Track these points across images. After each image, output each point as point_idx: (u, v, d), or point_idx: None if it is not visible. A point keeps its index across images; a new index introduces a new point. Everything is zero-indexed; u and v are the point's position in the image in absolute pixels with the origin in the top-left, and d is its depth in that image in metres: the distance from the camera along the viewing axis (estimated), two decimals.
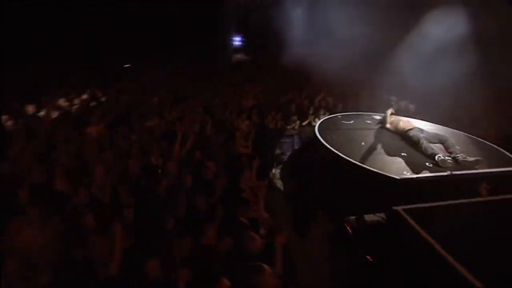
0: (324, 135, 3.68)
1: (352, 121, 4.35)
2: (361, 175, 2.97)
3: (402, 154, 3.30)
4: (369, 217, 3.55)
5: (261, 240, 2.32)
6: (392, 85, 6.56)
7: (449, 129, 4.04)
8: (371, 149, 3.39)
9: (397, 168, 3.00)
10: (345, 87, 7.06)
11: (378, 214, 3.43)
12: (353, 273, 2.97)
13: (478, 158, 3.07)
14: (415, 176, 2.83)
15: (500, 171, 3.01)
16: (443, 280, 2.17)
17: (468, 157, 3.08)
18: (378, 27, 7.10)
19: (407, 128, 3.71)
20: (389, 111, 4.01)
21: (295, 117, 5.53)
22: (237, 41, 11.92)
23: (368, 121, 4.40)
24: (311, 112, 5.59)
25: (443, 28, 6.20)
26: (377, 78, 7.16)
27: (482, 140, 3.72)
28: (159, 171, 3.23)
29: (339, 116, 4.64)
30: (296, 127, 5.48)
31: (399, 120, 3.87)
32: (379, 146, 3.49)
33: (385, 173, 2.83)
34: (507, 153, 3.36)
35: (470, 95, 4.88)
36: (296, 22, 9.78)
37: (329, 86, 7.35)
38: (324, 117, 5.39)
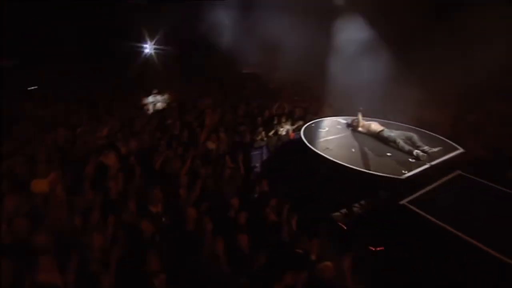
0: (318, 148, 3.97)
1: (327, 128, 4.80)
2: (370, 180, 3.40)
3: (388, 154, 3.89)
4: (355, 209, 4.07)
5: (331, 265, 2.43)
6: (331, 88, 7.51)
7: (403, 125, 4.91)
8: (364, 154, 3.86)
9: (393, 168, 3.54)
10: (294, 93, 7.69)
11: (357, 204, 3.97)
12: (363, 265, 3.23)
13: (439, 147, 3.92)
14: (412, 173, 3.42)
15: (453, 155, 3.94)
16: (460, 259, 2.74)
17: (432, 148, 3.89)
18: (309, 33, 7.92)
19: (379, 129, 4.36)
20: (360, 115, 4.61)
21: (261, 129, 5.66)
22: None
23: (338, 126, 4.94)
24: (275, 122, 5.82)
25: (364, 33, 7.40)
26: (316, 83, 8.04)
27: (429, 132, 4.69)
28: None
29: (313, 125, 5.00)
30: (264, 138, 5.63)
31: (370, 123, 4.51)
32: (366, 150, 4.00)
33: (392, 176, 3.33)
34: (448, 140, 4.36)
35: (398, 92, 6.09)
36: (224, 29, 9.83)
37: (277, 94, 7.87)
38: (288, 125, 5.74)
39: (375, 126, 4.42)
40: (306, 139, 4.28)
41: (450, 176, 3.68)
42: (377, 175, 3.34)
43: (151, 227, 2.66)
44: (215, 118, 5.87)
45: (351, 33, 7.79)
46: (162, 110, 6.55)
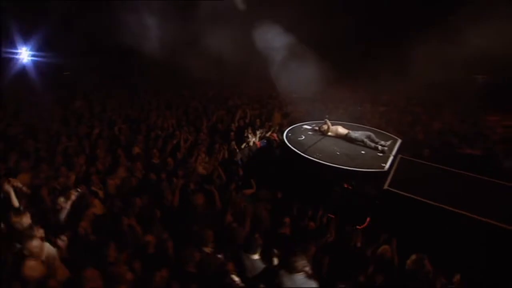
0: (311, 156, 4.63)
1: (303, 136, 5.50)
2: (361, 176, 4.30)
3: (362, 152, 4.91)
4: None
5: (388, 247, 3.12)
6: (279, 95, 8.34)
7: (355, 124, 6.08)
8: (347, 155, 4.75)
9: (374, 163, 4.55)
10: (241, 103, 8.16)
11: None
12: None
13: (391, 140, 5.20)
14: (389, 164, 4.50)
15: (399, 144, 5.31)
16: (444, 224, 3.80)
17: (387, 142, 5.13)
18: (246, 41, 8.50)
19: (345, 132, 5.36)
20: (328, 121, 5.50)
21: (233, 143, 5.93)
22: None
23: (309, 132, 5.72)
24: (245, 134, 6.14)
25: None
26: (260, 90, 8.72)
27: (373, 128, 6.02)
28: None
29: (290, 134, 5.61)
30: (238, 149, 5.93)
31: (337, 127, 5.46)
32: (345, 151, 4.91)
33: (379, 170, 4.31)
34: (388, 133, 5.77)
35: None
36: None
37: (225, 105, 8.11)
38: (253, 135, 6.17)
39: (341, 129, 5.42)
40: (296, 149, 4.87)
41: (398, 160, 4.97)
42: (372, 171, 4.28)
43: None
44: (190, 138, 5.76)
45: (283, 40, 8.81)
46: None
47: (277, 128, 6.82)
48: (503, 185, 4.22)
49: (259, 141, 6.34)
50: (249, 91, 9.56)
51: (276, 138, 6.26)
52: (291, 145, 5.01)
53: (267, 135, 6.58)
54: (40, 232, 2.73)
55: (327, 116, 5.61)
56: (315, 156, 4.61)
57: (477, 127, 7.00)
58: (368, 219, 4.20)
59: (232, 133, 6.12)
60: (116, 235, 2.98)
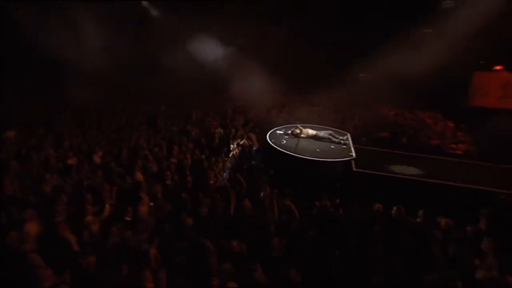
0: (303, 155, 5.89)
1: (284, 141, 6.66)
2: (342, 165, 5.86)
3: (332, 147, 6.50)
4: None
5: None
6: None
7: (315, 125, 7.64)
8: (325, 151, 6.23)
9: (345, 154, 6.18)
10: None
11: None
12: None
13: (346, 135, 7.01)
14: (354, 153, 6.21)
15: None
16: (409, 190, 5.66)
17: (344, 137, 6.91)
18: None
19: (314, 133, 6.85)
20: (300, 125, 6.84)
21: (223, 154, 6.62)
22: None
23: (286, 136, 6.94)
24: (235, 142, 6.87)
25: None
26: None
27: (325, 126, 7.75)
28: None
29: (272, 140, 6.68)
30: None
31: (307, 129, 6.88)
32: (321, 148, 6.39)
33: (351, 158, 5.96)
34: (340, 130, 7.61)
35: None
36: None
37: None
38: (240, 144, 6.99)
39: (311, 131, 6.90)
40: (287, 151, 6.03)
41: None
42: (348, 160, 5.87)
43: None
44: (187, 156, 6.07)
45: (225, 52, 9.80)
46: None
47: (245, 135, 7.77)
48: (424, 157, 6.52)
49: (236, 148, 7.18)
50: (205, 103, 10.03)
51: (247, 144, 7.25)
52: (281, 149, 6.15)
53: (241, 142, 7.46)
54: None
55: (298, 122, 6.99)
56: (307, 155, 5.90)
57: (379, 117, 9.85)
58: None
59: (215, 146, 6.72)
60: None
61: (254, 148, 7.20)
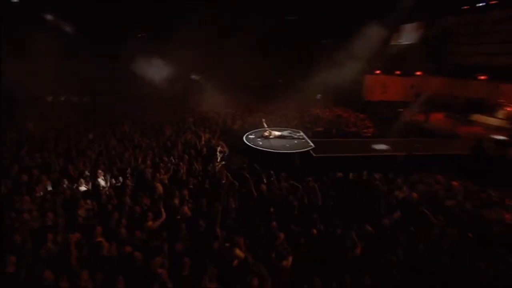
0: (280, 150, 7.93)
1: (261, 142, 8.55)
2: (307, 154, 8.17)
3: (295, 142, 8.76)
4: None
5: None
6: None
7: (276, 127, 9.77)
8: (292, 146, 8.43)
9: (306, 145, 8.52)
10: None
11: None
12: None
13: (300, 132, 9.39)
14: (312, 144, 8.61)
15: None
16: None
17: (297, 134, 9.28)
18: None
19: (280, 133, 8.99)
20: (267, 128, 8.86)
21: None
22: None
23: (258, 139, 8.83)
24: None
25: None
26: None
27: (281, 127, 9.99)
28: None
29: (251, 142, 8.48)
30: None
31: (274, 132, 8.95)
32: (288, 144, 8.57)
33: (312, 148, 8.33)
34: (294, 129, 9.96)
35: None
36: None
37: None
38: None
39: (277, 132, 9.01)
40: (268, 149, 7.98)
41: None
42: (311, 148, 8.21)
43: None
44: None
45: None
46: None
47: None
48: (354, 140, 9.46)
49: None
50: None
51: (224, 149, 8.91)
52: (263, 148, 8.07)
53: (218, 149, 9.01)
54: None
55: (266, 126, 9.02)
56: (284, 151, 8.00)
57: (312, 116, 12.83)
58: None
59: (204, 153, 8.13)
60: None
61: (227, 153, 8.83)
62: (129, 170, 6.80)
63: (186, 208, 5.46)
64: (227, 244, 4.21)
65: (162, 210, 5.13)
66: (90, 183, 6.26)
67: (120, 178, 6.55)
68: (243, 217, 5.22)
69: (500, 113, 12.37)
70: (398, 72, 16.53)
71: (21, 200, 5.05)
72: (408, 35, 16.39)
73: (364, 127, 11.93)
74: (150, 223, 4.90)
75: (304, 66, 14.72)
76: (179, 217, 5.22)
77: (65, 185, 5.94)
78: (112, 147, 8.06)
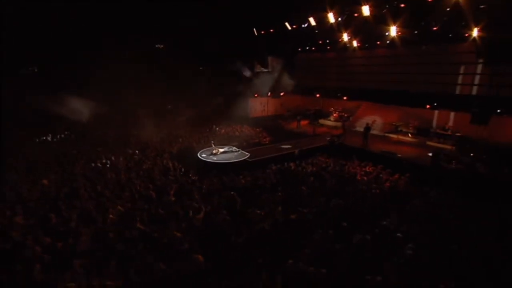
0: (231, 161, 11.40)
1: (213, 157, 11.64)
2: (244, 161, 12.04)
3: (236, 154, 12.41)
4: None
5: None
6: None
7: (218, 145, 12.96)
8: (235, 157, 12.06)
9: (244, 156, 12.33)
10: None
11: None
12: None
13: (234, 147, 13.09)
14: (248, 155, 12.52)
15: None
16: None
17: (234, 148, 12.98)
18: None
19: (223, 149, 12.37)
20: (214, 146, 12.06)
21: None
22: None
23: (211, 155, 11.86)
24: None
25: None
26: None
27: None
28: None
29: (204, 156, 11.47)
30: None
31: (218, 149, 12.24)
32: (232, 156, 12.13)
33: (248, 157, 12.24)
34: (230, 145, 13.51)
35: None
36: None
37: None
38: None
39: (221, 148, 12.36)
40: (221, 161, 11.29)
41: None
42: (247, 158, 12.11)
43: None
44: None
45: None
46: None
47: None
48: (264, 147, 14.06)
49: None
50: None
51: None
52: (217, 161, 11.36)
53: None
54: None
55: (213, 142, 12.21)
56: (233, 161, 11.56)
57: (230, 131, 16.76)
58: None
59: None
60: None
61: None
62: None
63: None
64: None
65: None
66: None
67: None
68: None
69: (332, 117, 20.37)
70: (270, 94, 22.89)
71: None
72: (270, 65, 23.15)
73: (263, 137, 16.89)
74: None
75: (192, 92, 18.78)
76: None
77: None
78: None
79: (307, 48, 21.81)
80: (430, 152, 12.11)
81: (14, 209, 6.43)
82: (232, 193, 7.80)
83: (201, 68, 21.91)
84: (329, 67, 21.82)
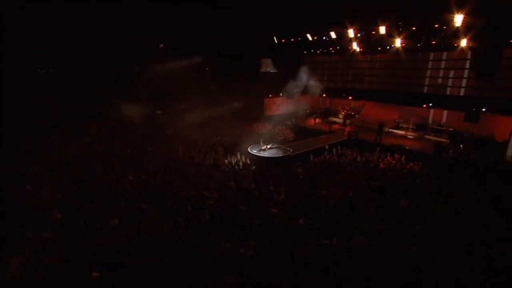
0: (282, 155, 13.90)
1: (263, 152, 14.04)
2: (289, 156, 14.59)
3: (280, 150, 14.90)
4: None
5: None
6: None
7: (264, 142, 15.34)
8: (281, 152, 14.56)
9: (287, 151, 14.87)
10: None
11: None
12: None
13: (276, 143, 15.59)
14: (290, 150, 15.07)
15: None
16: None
17: (276, 145, 15.46)
18: None
19: (269, 145, 14.82)
20: (263, 143, 14.47)
21: None
22: None
23: (260, 149, 14.27)
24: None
25: None
26: None
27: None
28: None
29: (255, 151, 13.88)
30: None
31: (265, 145, 14.66)
32: (279, 151, 14.61)
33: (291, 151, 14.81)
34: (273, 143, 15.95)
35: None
36: None
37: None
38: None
39: (268, 145, 14.80)
40: (275, 155, 13.76)
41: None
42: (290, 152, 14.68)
43: None
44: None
45: None
46: None
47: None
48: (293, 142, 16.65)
49: None
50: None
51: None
52: (268, 155, 13.83)
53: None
54: None
55: (261, 140, 14.61)
56: (281, 155, 14.07)
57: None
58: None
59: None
60: None
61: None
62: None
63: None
64: None
65: None
66: None
67: None
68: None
69: (340, 115, 23.29)
70: (282, 94, 25.38)
71: None
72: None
73: (288, 134, 19.40)
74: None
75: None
76: None
77: None
78: None
79: (312, 51, 24.54)
80: (432, 145, 15.29)
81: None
82: (301, 177, 10.38)
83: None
84: (334, 69, 24.76)
